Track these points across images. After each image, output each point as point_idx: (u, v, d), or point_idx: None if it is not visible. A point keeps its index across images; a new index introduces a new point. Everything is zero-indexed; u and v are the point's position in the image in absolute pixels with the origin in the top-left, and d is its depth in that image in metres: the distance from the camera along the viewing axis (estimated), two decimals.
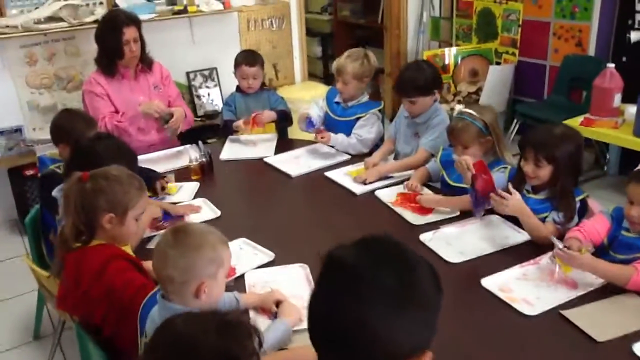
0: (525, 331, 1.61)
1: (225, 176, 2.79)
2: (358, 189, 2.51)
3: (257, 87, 3.22)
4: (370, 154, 2.99)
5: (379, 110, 3.04)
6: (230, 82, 4.38)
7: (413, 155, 2.68)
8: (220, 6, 4.04)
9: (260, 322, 1.65)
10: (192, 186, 2.61)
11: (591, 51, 4.22)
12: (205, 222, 2.25)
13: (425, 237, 2.08)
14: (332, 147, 2.95)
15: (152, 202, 2.25)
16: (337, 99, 3.07)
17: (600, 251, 1.91)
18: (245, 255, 2.01)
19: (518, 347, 1.57)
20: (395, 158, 2.92)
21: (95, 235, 1.67)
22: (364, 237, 0.98)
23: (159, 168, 2.81)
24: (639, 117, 3.37)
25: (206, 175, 2.73)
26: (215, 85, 4.35)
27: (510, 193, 2.02)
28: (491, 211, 2.18)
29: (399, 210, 2.30)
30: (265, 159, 2.90)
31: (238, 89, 3.28)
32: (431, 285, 0.94)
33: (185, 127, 3.22)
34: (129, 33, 2.90)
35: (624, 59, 3.94)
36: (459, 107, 2.42)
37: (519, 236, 2.06)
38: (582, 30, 4.22)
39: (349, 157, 2.88)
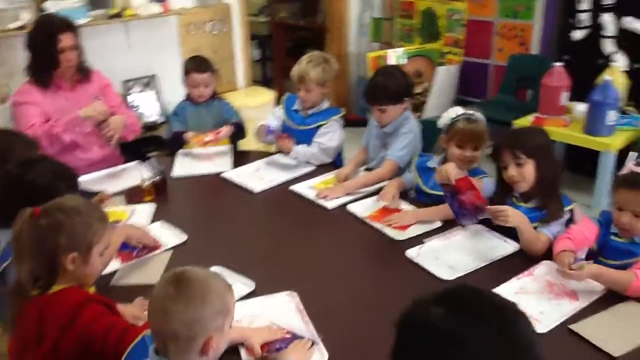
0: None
1: (182, 195, 2.57)
2: (329, 203, 2.36)
3: (209, 95, 3.01)
4: (333, 163, 2.88)
5: (341, 117, 2.90)
6: (170, 90, 4.15)
7: (379, 168, 2.56)
8: (158, 9, 3.78)
9: None
10: (147, 209, 2.37)
11: (534, 50, 4.28)
12: (171, 249, 2.05)
13: (411, 254, 1.97)
14: (295, 158, 2.79)
15: (118, 228, 2.00)
16: (295, 107, 2.91)
17: (589, 257, 1.87)
18: None
19: None
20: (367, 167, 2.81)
21: (57, 279, 1.44)
22: (445, 291, 0.84)
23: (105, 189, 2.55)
24: (590, 115, 3.42)
25: (160, 195, 2.50)
26: (155, 94, 4.07)
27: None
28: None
29: (377, 225, 2.17)
30: (222, 175, 2.70)
31: (188, 97, 3.06)
32: (533, 335, 0.82)
33: (131, 135, 2.97)
34: (66, 40, 2.61)
35: (567, 57, 4.00)
36: (459, 109, 2.29)
37: (507, 246, 1.99)
38: (525, 30, 4.27)
39: (313, 167, 2.73)
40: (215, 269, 1.87)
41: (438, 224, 2.15)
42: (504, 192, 2.08)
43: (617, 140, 3.35)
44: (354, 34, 5.42)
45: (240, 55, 4.51)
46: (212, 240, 2.16)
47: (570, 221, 2.00)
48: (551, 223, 1.96)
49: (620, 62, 3.71)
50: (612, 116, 3.34)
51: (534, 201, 2.02)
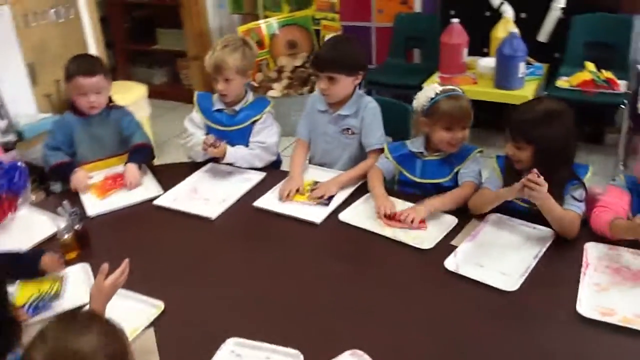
0: None
1: (115, 242, 1.94)
2: (318, 216, 1.95)
3: (103, 104, 2.33)
4: (277, 161, 2.46)
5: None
6: (16, 101, 3.29)
7: (367, 161, 2.19)
8: None
9: None
10: (80, 271, 1.75)
11: (417, 8, 4.14)
12: (150, 325, 1.50)
13: (450, 265, 1.66)
14: (230, 164, 2.31)
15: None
16: (217, 107, 2.39)
17: None
18: None
19: None
20: (312, 161, 2.41)
21: None
22: None
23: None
24: (501, 69, 3.36)
25: (85, 248, 1.86)
26: None
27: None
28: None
29: (388, 233, 1.83)
30: (155, 202, 2.12)
31: (73, 109, 2.36)
32: None
33: None
34: None
35: (453, 12, 3.91)
36: (437, 86, 2.02)
37: (541, 233, 1.78)
38: None
39: (264, 174, 2.27)
40: (230, 342, 1.40)
41: (455, 221, 1.86)
42: (515, 169, 1.87)
43: (528, 91, 3.34)
44: (211, 8, 4.84)
45: (94, 44, 3.72)
46: (196, 299, 1.63)
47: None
48: (577, 199, 1.78)
49: (509, 13, 3.70)
50: (522, 68, 3.33)
51: None
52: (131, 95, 3.64)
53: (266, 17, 4.61)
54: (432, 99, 1.98)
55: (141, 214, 2.08)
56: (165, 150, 4.16)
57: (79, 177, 2.23)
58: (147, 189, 2.21)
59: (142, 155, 2.36)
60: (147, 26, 5.33)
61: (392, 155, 2.10)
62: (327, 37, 4.23)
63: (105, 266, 1.43)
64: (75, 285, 1.69)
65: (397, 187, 2.11)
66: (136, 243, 1.92)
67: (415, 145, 2.08)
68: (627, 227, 1.62)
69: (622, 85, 3.32)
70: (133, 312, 1.53)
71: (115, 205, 2.11)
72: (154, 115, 4.10)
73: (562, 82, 3.41)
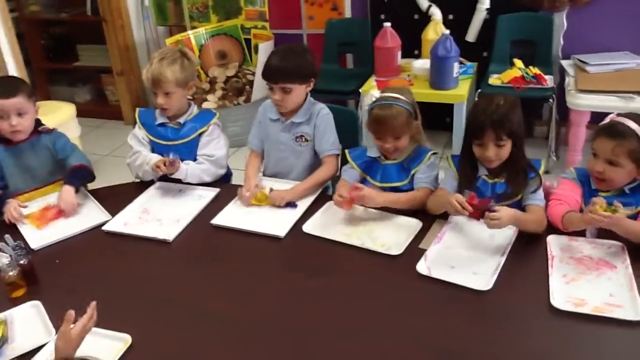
0: None
1: (65, 276, 1.80)
2: (279, 229, 1.90)
3: (27, 128, 2.17)
4: (227, 175, 2.39)
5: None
6: None
7: (323, 167, 2.18)
8: None
9: None
10: (31, 311, 1.61)
11: (347, 14, 4.17)
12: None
13: (422, 269, 1.66)
14: (179, 181, 2.22)
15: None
16: (160, 121, 2.30)
17: None
18: None
19: None
20: (265, 172, 2.36)
21: None
22: None
23: None
24: (436, 70, 3.43)
25: (33, 284, 1.72)
26: None
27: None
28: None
29: (355, 242, 1.80)
30: (104, 228, 2.00)
31: None
32: None
33: None
34: None
35: (382, 16, 3.97)
36: (376, 93, 2.03)
37: (505, 231, 1.80)
38: None
39: (217, 190, 2.19)
40: None
41: (420, 225, 1.86)
42: (473, 171, 1.90)
43: (463, 90, 3.43)
44: (135, 21, 4.66)
45: (12, 63, 3.49)
46: (163, 329, 1.53)
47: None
48: (537, 192, 1.84)
49: (438, 15, 3.79)
50: (456, 68, 3.41)
51: (503, 175, 1.87)
52: (58, 116, 3.46)
53: (193, 27, 4.50)
54: (369, 105, 2.01)
55: (90, 243, 1.94)
56: (99, 169, 3.95)
57: (11, 207, 2.07)
58: (93, 215, 2.08)
59: (80, 177, 2.22)
60: (67, 43, 5.09)
61: (356, 163, 2.08)
62: (260, 45, 4.20)
63: (71, 313, 1.32)
64: (27, 326, 1.55)
65: None
66: (89, 274, 1.79)
67: (372, 151, 2.07)
68: (579, 220, 1.68)
69: (548, 80, 3.47)
70: (99, 349, 1.42)
71: (61, 235, 1.96)
72: (80, 134, 3.89)
73: (494, 80, 3.52)
